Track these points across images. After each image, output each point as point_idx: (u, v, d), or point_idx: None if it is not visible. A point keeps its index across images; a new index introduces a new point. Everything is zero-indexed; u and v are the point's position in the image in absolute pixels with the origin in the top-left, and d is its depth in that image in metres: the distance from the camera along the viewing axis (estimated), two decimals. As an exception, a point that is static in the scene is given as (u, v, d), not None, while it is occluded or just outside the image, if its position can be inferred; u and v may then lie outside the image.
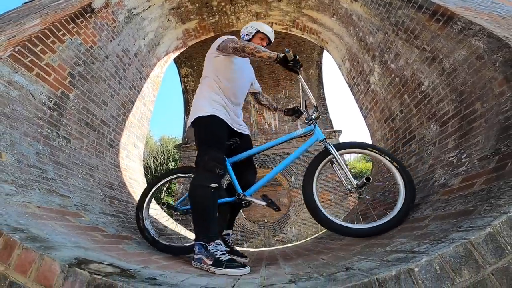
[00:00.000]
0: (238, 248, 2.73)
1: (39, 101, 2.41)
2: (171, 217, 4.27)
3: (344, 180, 1.95)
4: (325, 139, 2.03)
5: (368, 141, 3.89)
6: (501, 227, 0.99)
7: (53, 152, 2.39)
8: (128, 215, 2.74)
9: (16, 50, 2.29)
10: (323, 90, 12.88)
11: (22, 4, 6.31)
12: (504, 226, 0.99)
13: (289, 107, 2.50)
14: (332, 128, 12.35)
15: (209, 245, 1.66)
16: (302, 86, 2.18)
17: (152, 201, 2.41)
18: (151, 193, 2.31)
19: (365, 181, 1.81)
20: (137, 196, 3.33)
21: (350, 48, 4.36)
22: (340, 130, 11.97)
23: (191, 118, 2.07)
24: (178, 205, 2.34)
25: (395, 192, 2.14)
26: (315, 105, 2.15)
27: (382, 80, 3.57)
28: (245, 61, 2.35)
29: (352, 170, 19.78)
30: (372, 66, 3.76)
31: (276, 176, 12.50)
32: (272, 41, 2.40)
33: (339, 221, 1.80)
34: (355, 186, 1.88)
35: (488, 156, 1.59)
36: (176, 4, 4.72)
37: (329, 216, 1.80)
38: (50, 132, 2.45)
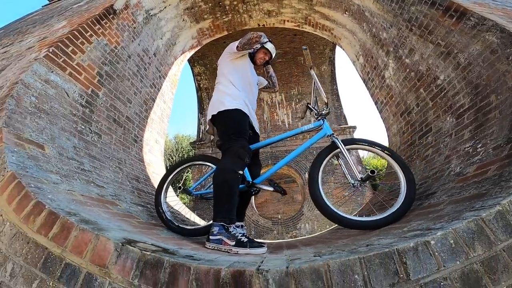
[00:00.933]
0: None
1: (73, 99, 2.59)
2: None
3: (348, 175, 2.02)
4: (333, 134, 2.12)
5: (384, 134, 3.95)
6: (509, 206, 1.06)
7: (87, 146, 2.57)
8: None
9: (51, 51, 2.47)
10: (336, 86, 12.84)
11: (42, 6, 6.58)
12: (514, 205, 1.07)
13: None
14: (347, 124, 12.30)
15: (229, 226, 1.74)
16: (314, 82, 2.33)
17: (169, 187, 2.54)
18: (169, 179, 2.45)
19: (369, 174, 1.85)
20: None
21: (363, 44, 4.41)
22: (355, 126, 11.88)
23: (214, 112, 2.18)
24: (192, 190, 2.44)
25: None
26: (326, 101, 2.25)
27: (397, 75, 3.62)
28: (251, 65, 2.58)
29: (367, 167, 19.63)
30: (386, 61, 3.81)
31: (290, 173, 12.59)
32: (273, 56, 2.66)
33: (344, 214, 1.81)
34: (359, 179, 1.94)
35: (502, 144, 1.66)
36: (190, 4, 4.87)
37: (334, 209, 1.81)
38: (83, 127, 2.63)
